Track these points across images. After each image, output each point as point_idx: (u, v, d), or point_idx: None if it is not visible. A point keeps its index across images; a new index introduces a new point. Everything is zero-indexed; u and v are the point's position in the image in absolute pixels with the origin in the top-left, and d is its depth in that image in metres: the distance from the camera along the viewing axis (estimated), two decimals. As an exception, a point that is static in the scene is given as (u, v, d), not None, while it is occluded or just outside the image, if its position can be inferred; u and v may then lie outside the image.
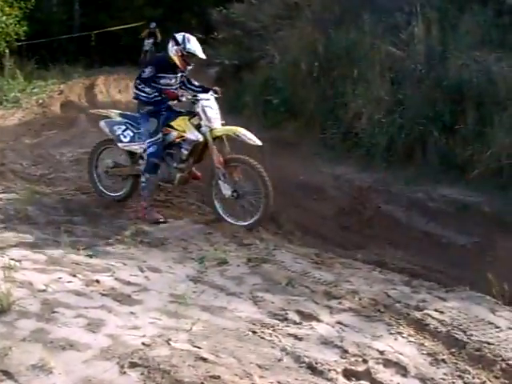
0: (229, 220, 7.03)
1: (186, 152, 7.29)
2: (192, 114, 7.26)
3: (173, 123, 7.35)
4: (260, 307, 4.78)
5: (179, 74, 7.50)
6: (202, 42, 7.49)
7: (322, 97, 11.31)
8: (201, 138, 7.14)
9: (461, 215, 7.92)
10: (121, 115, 7.88)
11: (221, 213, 7.09)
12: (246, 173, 6.99)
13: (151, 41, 21.47)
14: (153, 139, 7.29)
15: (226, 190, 7.00)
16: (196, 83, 7.79)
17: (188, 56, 7.30)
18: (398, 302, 4.97)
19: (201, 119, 7.14)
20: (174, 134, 7.34)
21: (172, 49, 7.31)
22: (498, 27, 9.97)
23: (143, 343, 3.96)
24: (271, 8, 15.61)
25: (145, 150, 7.38)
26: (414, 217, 8.11)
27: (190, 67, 7.46)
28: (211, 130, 7.08)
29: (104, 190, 8.01)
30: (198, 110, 7.15)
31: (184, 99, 7.23)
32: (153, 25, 21.68)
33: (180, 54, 7.27)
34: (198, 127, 7.19)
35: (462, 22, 10.45)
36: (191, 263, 5.77)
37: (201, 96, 7.27)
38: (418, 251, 7.14)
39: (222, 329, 4.31)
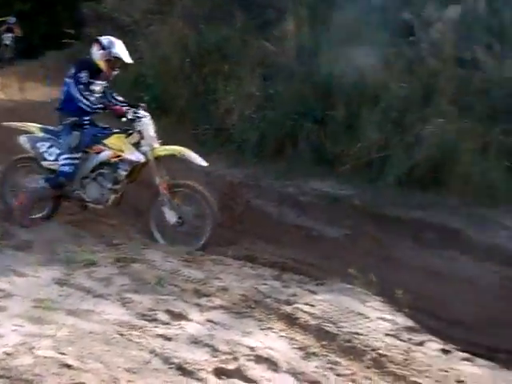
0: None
1: (124, 173, 6.72)
2: (127, 131, 6.76)
3: (106, 141, 6.76)
4: (128, 308, 4.64)
5: (104, 82, 6.93)
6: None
7: (194, 93, 11.18)
8: (142, 158, 6.64)
9: (332, 208, 8.04)
10: (43, 130, 7.12)
11: (160, 241, 6.62)
12: (189, 197, 6.64)
13: (10, 35, 20.61)
14: (71, 156, 6.74)
15: (171, 218, 6.58)
16: (121, 98, 7.16)
17: (114, 61, 6.79)
18: (268, 297, 4.96)
19: (142, 138, 6.64)
20: (108, 153, 6.74)
21: (97, 53, 6.77)
22: (367, 24, 10.17)
23: (5, 352, 3.74)
24: (143, 2, 15.33)
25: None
26: (284, 211, 8.16)
27: (115, 73, 6.91)
28: (153, 149, 6.63)
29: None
30: (140, 128, 6.63)
31: (130, 116, 6.65)
32: (12, 20, 20.81)
33: (106, 58, 6.75)
34: (136, 146, 6.69)
35: (332, 19, 10.59)
36: (58, 266, 5.50)
37: (141, 113, 6.72)
38: (289, 245, 7.17)
39: (88, 333, 4.15)
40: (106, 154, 6.76)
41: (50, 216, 7.12)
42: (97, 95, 6.83)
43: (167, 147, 6.71)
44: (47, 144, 6.98)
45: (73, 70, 6.76)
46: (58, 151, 6.89)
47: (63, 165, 6.74)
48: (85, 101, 6.68)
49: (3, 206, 7.28)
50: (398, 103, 9.10)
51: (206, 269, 5.64)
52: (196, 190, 6.56)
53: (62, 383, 3.46)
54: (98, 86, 6.88)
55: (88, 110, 6.72)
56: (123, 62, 6.82)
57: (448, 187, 8.16)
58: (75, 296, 4.82)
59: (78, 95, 6.68)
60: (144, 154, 6.65)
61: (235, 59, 11.02)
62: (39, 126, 7.21)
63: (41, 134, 7.08)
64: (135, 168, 6.77)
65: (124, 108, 6.78)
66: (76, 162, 6.75)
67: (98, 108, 6.77)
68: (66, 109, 6.82)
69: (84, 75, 6.67)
